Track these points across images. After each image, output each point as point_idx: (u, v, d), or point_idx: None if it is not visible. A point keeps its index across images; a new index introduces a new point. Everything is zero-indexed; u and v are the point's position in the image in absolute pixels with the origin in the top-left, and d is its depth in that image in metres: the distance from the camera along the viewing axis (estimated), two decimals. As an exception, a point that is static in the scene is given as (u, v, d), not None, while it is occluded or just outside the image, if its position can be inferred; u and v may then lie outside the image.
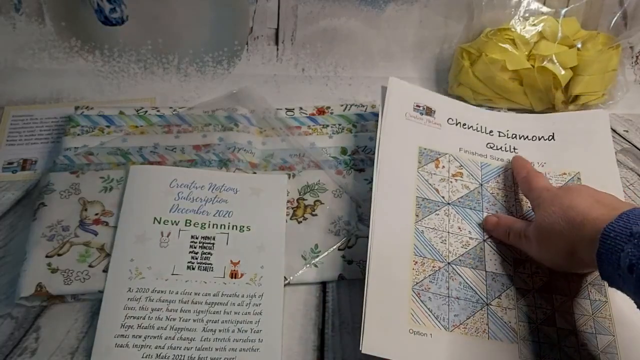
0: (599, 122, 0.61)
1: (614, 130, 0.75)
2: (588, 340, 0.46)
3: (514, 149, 0.60)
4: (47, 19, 0.73)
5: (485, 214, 0.54)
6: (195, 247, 0.53)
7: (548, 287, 0.50)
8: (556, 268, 0.49)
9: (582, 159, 0.58)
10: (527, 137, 0.61)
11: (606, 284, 0.49)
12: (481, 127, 0.61)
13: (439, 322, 0.46)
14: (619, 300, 0.49)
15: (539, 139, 0.61)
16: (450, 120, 0.61)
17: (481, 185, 0.56)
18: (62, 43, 0.75)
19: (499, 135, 0.61)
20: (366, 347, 0.42)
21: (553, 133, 0.61)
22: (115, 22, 0.73)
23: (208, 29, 0.75)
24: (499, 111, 0.73)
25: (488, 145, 0.60)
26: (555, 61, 0.70)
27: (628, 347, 0.46)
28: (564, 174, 0.57)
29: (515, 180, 0.56)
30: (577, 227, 0.41)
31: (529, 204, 0.54)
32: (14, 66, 0.74)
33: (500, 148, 0.60)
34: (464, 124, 0.61)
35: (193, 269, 0.51)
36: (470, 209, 0.54)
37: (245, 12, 0.75)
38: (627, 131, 0.75)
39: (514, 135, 0.61)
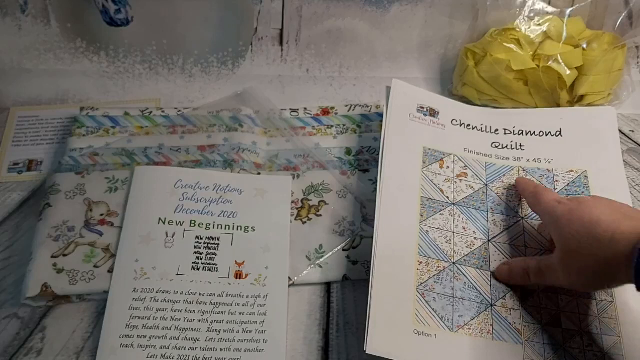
0: (607, 120, 0.60)
1: (619, 131, 0.75)
2: (593, 341, 0.46)
3: (521, 145, 0.59)
4: (52, 20, 0.73)
5: (490, 214, 0.53)
6: (200, 248, 0.53)
7: (553, 287, 0.49)
8: (587, 290, 0.46)
9: (589, 157, 0.57)
10: (534, 132, 0.60)
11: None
12: (486, 126, 0.61)
13: (444, 322, 0.46)
14: (625, 300, 0.49)
15: (546, 135, 0.60)
16: (454, 121, 0.60)
17: (486, 185, 0.56)
18: (68, 44, 0.75)
19: (505, 133, 0.60)
20: (370, 348, 0.42)
21: (560, 129, 0.60)
22: (120, 23, 0.73)
23: (213, 30, 0.76)
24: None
25: (493, 145, 0.59)
26: (561, 61, 0.70)
27: (634, 348, 0.46)
28: (571, 171, 0.56)
29: (522, 196, 0.54)
30: (607, 244, 0.39)
31: None
32: (20, 67, 0.75)
33: (506, 147, 0.59)
34: (468, 125, 0.61)
35: (198, 269, 0.52)
36: (475, 209, 0.54)
37: (249, 13, 0.75)
38: (632, 131, 0.75)
39: (520, 132, 0.60)
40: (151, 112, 0.66)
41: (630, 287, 0.38)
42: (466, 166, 0.57)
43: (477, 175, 0.56)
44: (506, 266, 0.49)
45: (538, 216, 0.51)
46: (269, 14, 0.75)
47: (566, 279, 0.43)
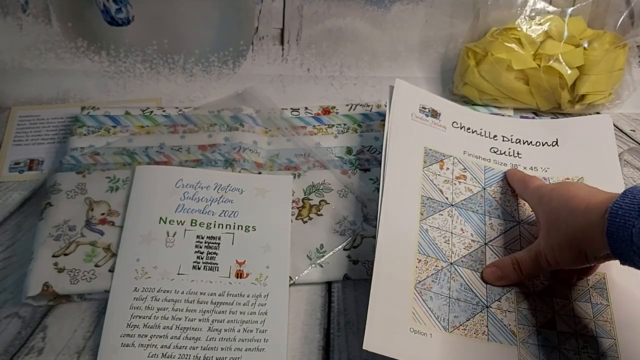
0: (603, 127, 0.61)
1: (620, 130, 0.75)
2: (589, 343, 0.46)
3: (518, 153, 0.60)
4: (53, 19, 0.73)
5: (487, 218, 0.54)
6: (200, 247, 0.53)
7: (549, 290, 0.49)
8: (572, 266, 0.46)
9: (585, 165, 0.58)
10: (531, 142, 0.61)
11: (609, 286, 0.50)
12: (485, 131, 0.61)
13: (439, 322, 0.46)
14: (621, 304, 0.49)
15: (543, 145, 0.61)
16: (455, 123, 0.61)
17: (484, 189, 0.56)
18: (69, 43, 0.75)
19: (503, 140, 0.61)
20: (367, 344, 0.42)
21: (557, 139, 0.61)
22: (121, 22, 0.73)
23: (213, 29, 0.76)
24: (504, 115, 0.73)
25: (492, 150, 0.60)
26: (562, 60, 0.70)
27: (629, 351, 0.46)
28: (567, 178, 0.57)
29: (511, 184, 0.56)
30: (581, 214, 0.41)
31: (529, 210, 0.53)
32: (21, 66, 0.75)
33: (504, 153, 0.60)
34: (468, 128, 0.61)
35: (199, 268, 0.52)
36: (473, 211, 0.54)
37: (250, 12, 0.75)
38: (633, 130, 0.75)
39: (517, 141, 0.61)
40: (152, 112, 0.66)
41: (626, 292, 0.38)
42: (465, 169, 0.57)
43: (475, 179, 0.56)
44: (494, 267, 0.49)
45: (527, 203, 0.53)
46: (270, 13, 0.75)
47: (552, 257, 0.44)
